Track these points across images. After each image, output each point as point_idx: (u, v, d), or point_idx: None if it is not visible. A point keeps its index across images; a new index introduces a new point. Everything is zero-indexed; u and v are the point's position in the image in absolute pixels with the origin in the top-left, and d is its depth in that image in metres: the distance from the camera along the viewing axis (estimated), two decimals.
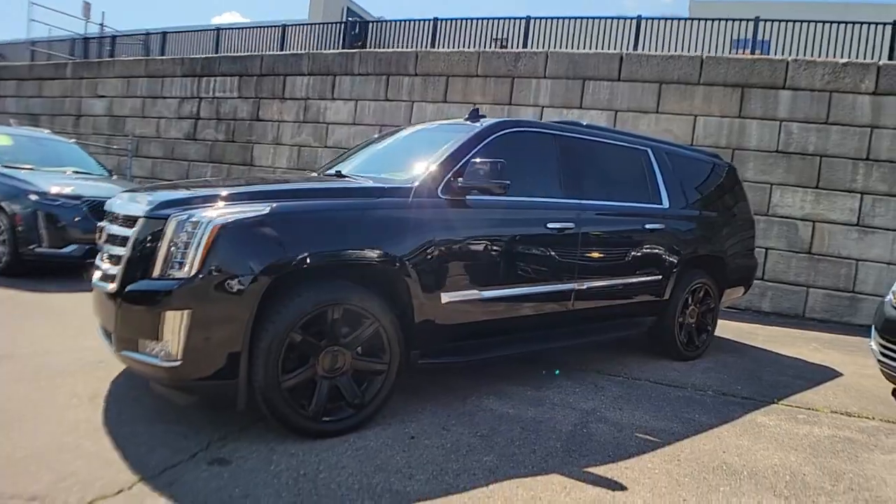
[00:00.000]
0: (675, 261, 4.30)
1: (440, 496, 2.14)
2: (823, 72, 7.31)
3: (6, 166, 6.03)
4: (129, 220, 2.58)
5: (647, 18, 9.03)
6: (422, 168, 3.08)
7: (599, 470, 2.45)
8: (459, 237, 3.01)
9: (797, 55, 7.96)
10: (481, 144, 3.22)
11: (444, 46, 9.88)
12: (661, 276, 4.22)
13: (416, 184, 2.95)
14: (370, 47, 10.85)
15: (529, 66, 8.59)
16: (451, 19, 10.07)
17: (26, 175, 5.87)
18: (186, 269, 2.29)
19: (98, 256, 2.85)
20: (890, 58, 7.71)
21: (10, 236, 5.47)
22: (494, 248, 3.18)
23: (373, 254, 2.69)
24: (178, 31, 13.11)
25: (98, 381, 3.01)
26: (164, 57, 12.24)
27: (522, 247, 3.33)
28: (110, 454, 2.25)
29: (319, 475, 2.21)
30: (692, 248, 4.49)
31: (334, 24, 12.44)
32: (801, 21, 8.20)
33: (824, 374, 4.50)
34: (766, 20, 8.42)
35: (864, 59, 7.62)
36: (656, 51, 8.55)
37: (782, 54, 8.06)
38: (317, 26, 12.22)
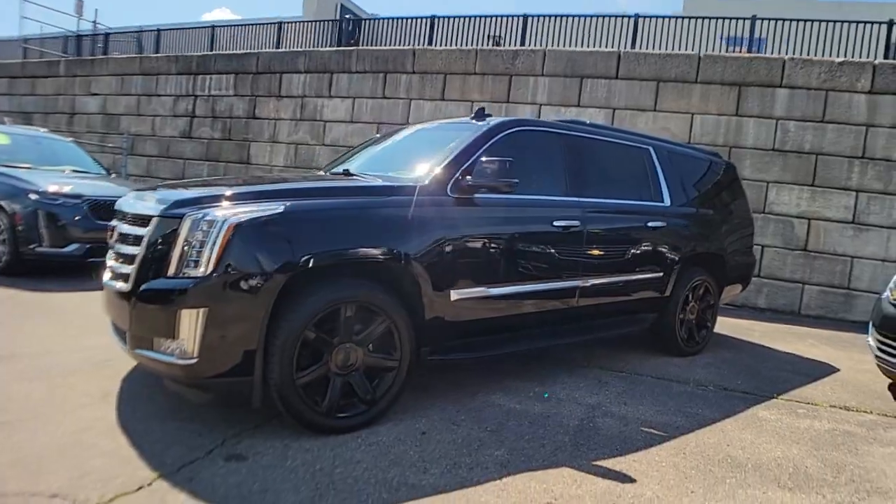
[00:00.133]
0: (676, 258, 4.36)
1: (455, 489, 2.18)
2: (820, 70, 7.38)
3: (4, 165, 6.01)
4: (142, 220, 2.59)
5: (644, 17, 9.08)
6: (430, 167, 3.11)
7: (608, 463, 2.50)
8: (468, 235, 3.04)
9: (793, 54, 8.03)
10: (489, 143, 3.26)
11: (441, 44, 9.87)
12: (662, 274, 4.27)
13: (426, 182, 2.98)
14: (363, 45, 10.82)
15: (527, 63, 8.61)
16: (449, 17, 10.05)
17: (25, 174, 5.84)
18: (202, 267, 2.31)
19: (107, 255, 2.86)
20: (885, 57, 7.80)
21: (10, 235, 5.45)
22: (502, 246, 3.21)
23: (384, 252, 2.71)
24: (172, 29, 13.03)
25: (107, 379, 3.03)
26: (158, 55, 12.15)
27: (529, 245, 3.37)
28: (127, 451, 2.27)
29: (335, 470, 2.24)
30: (692, 246, 4.55)
31: (329, 22, 12.42)
32: (798, 20, 8.27)
33: (821, 370, 4.57)
34: (762, 19, 8.48)
35: (860, 58, 7.70)
36: (653, 49, 8.59)
37: (778, 53, 8.13)
38: (312, 23, 12.18)
